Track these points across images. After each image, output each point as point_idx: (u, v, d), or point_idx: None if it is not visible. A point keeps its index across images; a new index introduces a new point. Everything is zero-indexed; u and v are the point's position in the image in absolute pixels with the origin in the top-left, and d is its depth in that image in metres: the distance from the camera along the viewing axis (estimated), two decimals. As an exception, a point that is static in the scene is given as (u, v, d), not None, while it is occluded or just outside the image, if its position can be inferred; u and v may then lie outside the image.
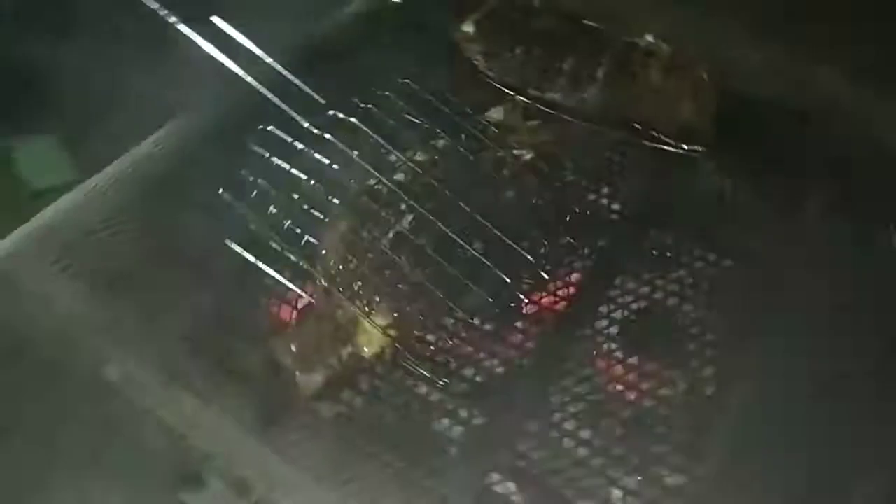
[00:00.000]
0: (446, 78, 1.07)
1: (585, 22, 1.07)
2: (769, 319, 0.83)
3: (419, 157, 0.87)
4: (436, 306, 0.76)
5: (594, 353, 0.80)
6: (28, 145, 2.06)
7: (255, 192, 0.82)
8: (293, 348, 0.73)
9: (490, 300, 0.78)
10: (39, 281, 0.80)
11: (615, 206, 0.93)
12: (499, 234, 0.81)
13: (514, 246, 0.81)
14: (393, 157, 0.86)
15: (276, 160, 0.84)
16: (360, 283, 0.76)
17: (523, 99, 1.03)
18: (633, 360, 0.80)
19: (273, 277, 0.78)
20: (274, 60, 0.92)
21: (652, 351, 0.82)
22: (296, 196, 0.82)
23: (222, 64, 0.89)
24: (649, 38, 1.04)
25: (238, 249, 0.80)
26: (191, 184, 0.87)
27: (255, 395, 0.71)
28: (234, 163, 0.84)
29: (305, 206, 0.82)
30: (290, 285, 0.79)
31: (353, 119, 0.87)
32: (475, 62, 1.07)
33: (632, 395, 0.79)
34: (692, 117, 0.97)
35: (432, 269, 0.78)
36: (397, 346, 0.74)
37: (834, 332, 0.80)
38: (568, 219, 0.89)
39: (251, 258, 0.79)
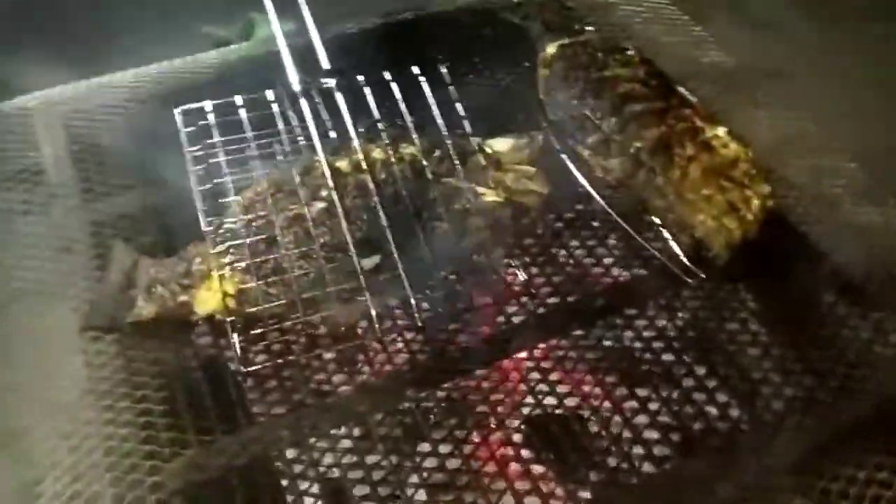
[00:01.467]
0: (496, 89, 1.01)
1: (678, 88, 0.93)
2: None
3: (377, 154, 0.84)
4: (287, 300, 0.74)
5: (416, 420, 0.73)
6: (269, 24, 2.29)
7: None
8: (151, 272, 0.77)
9: (341, 321, 0.75)
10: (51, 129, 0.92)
11: (548, 289, 0.82)
12: (398, 261, 0.76)
13: (406, 281, 0.76)
14: (353, 143, 0.83)
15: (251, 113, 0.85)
16: (234, 245, 0.77)
17: (556, 144, 0.93)
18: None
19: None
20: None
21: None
22: (252, 146, 0.84)
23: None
24: (720, 131, 0.88)
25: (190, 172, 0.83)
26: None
27: (100, 297, 0.76)
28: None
29: (253, 157, 0.83)
30: (203, 222, 0.81)
31: (338, 94, 0.86)
32: (538, 86, 0.99)
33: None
34: (707, 237, 0.81)
35: (308, 264, 0.76)
36: (227, 316, 0.74)
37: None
38: (490, 280, 0.81)
39: (193, 185, 0.82)
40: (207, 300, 0.75)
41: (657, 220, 0.85)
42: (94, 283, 0.77)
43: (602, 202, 0.88)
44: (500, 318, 0.80)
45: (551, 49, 0.99)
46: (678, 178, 0.84)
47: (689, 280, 0.81)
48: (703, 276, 0.81)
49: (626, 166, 0.86)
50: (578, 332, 0.79)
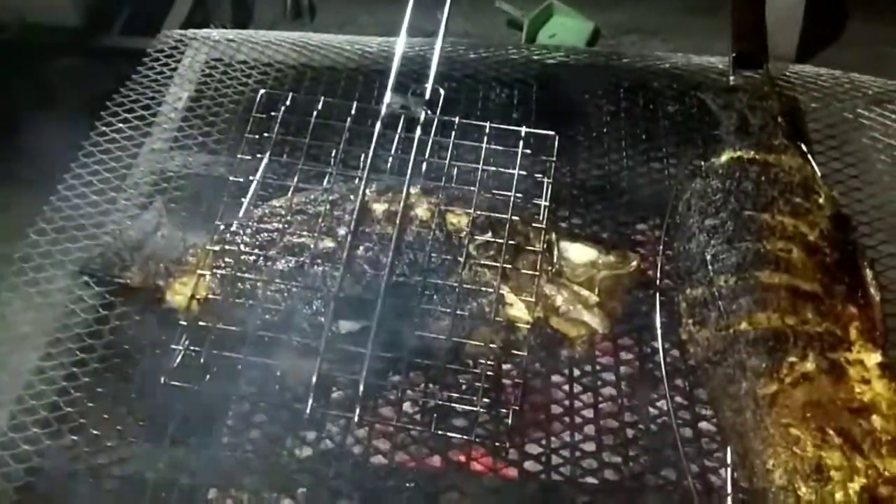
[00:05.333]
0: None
1: (864, 270, 0.66)
2: None
3: (421, 210, 0.70)
4: (242, 329, 0.66)
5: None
6: (567, 16, 2.19)
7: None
8: (159, 242, 0.74)
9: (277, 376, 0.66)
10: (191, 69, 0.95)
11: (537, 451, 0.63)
12: (372, 338, 0.64)
13: (364, 366, 0.64)
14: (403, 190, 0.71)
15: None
16: (228, 251, 0.70)
17: (659, 279, 0.72)
18: None
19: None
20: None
21: None
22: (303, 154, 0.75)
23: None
24: (873, 359, 0.60)
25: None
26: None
27: (108, 248, 0.75)
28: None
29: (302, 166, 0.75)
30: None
31: (419, 129, 0.74)
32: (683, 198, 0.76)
33: None
34: (765, 492, 0.56)
35: (283, 300, 0.67)
36: (185, 319, 0.68)
37: None
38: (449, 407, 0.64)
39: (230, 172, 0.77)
40: (176, 294, 0.70)
41: (721, 438, 0.62)
42: (118, 231, 0.77)
43: (665, 378, 0.66)
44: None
45: (724, 157, 0.76)
46: (769, 396, 0.59)
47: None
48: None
49: (714, 346, 0.63)
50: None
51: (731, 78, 0.86)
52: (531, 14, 2.16)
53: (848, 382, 0.58)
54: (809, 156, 0.78)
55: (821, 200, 0.70)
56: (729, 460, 0.60)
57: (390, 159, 0.76)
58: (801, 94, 0.88)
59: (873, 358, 0.59)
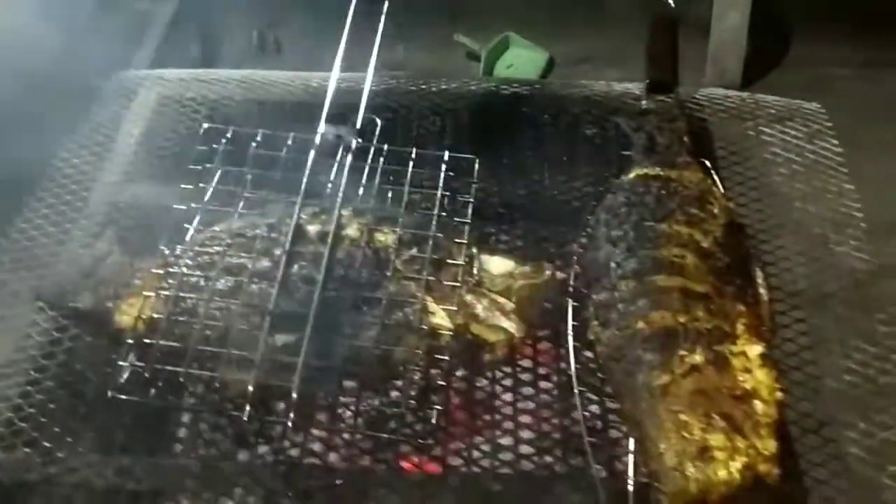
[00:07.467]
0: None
1: (755, 271, 0.73)
2: None
3: (351, 230, 0.76)
4: (182, 345, 0.72)
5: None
6: (523, 48, 2.28)
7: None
8: (109, 269, 0.79)
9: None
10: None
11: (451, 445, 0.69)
12: (304, 349, 0.70)
13: (297, 374, 0.69)
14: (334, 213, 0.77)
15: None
16: (171, 273, 0.76)
17: (572, 286, 0.78)
18: None
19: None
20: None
21: None
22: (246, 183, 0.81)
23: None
24: (755, 350, 0.66)
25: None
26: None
27: (61, 275, 0.81)
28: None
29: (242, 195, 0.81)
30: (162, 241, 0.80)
31: (349, 156, 0.80)
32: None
33: None
34: (658, 475, 0.62)
35: (221, 317, 0.73)
36: (131, 338, 0.73)
37: None
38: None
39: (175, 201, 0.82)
40: (124, 315, 0.75)
41: (623, 428, 0.68)
42: (71, 259, 0.82)
43: (574, 375, 0.72)
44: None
45: (632, 174, 0.83)
46: (662, 386, 0.65)
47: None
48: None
49: (616, 344, 0.69)
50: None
51: (644, 102, 0.93)
52: (488, 46, 2.25)
53: (732, 372, 0.64)
54: (713, 171, 0.85)
55: (716, 210, 0.77)
56: (631, 447, 0.66)
57: (326, 184, 0.82)
58: (710, 115, 0.95)
59: (755, 349, 0.65)
